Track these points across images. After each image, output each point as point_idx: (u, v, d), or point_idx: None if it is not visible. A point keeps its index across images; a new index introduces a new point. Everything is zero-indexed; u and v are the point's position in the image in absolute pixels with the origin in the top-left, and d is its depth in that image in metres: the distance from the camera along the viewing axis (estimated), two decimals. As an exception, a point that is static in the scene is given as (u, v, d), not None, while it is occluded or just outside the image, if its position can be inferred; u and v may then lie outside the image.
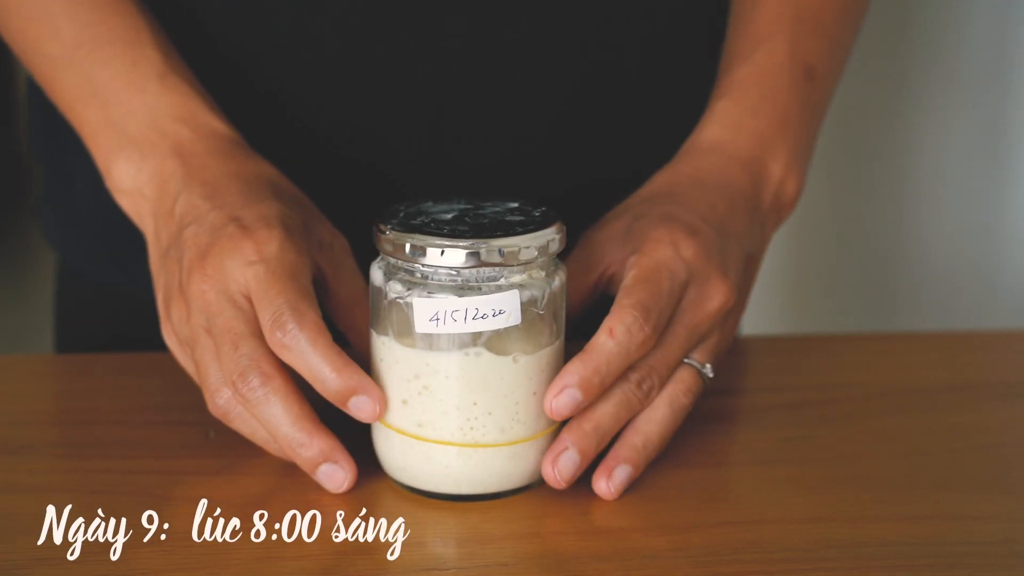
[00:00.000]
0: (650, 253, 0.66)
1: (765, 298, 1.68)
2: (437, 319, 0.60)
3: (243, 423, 0.65)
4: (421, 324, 0.61)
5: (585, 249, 0.71)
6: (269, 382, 0.62)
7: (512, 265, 0.60)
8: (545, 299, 0.62)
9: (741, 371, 0.81)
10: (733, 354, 0.80)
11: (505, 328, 0.61)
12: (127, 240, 0.86)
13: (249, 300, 0.64)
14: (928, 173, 1.62)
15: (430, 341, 0.61)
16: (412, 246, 0.60)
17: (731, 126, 0.76)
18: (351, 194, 0.79)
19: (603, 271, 0.70)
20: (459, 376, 0.61)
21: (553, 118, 0.83)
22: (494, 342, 0.61)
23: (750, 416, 0.75)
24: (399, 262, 0.61)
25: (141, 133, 0.73)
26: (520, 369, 0.62)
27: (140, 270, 0.88)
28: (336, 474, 0.63)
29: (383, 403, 0.62)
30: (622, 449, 0.64)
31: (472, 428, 0.62)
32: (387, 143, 0.82)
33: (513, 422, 0.62)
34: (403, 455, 0.63)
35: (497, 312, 0.61)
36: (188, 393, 0.71)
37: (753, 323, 1.64)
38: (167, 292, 0.68)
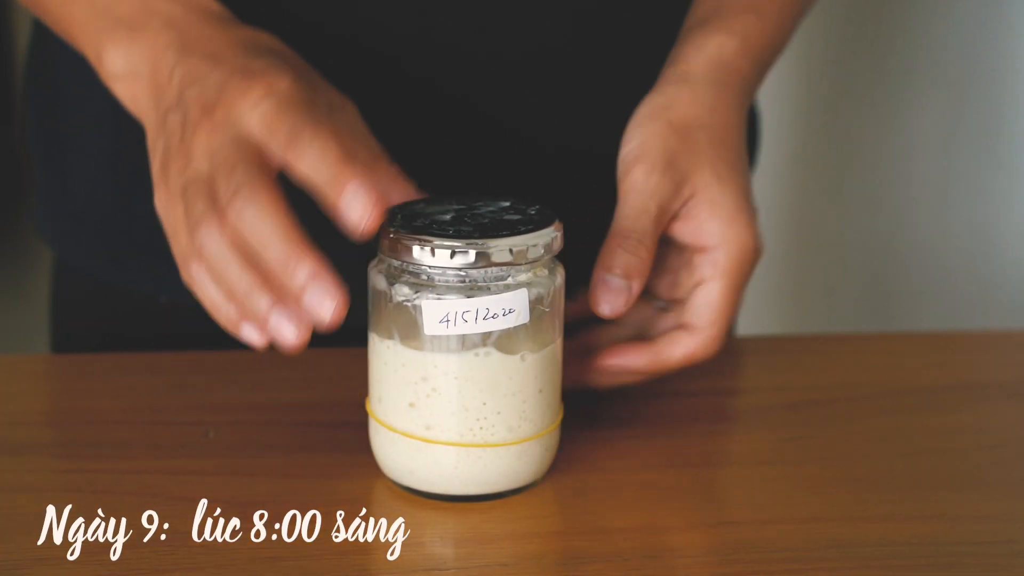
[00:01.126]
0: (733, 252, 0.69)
1: (765, 298, 1.68)
2: (447, 320, 0.60)
3: (213, 266, 0.61)
4: (431, 326, 0.60)
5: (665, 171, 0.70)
6: (261, 195, 0.59)
7: (520, 264, 0.60)
8: (550, 297, 0.62)
9: (741, 371, 0.81)
10: (733, 354, 0.80)
11: (514, 327, 0.61)
12: (123, 238, 0.86)
13: (254, 141, 0.62)
14: (927, 173, 1.62)
15: (438, 342, 0.61)
16: (421, 248, 0.60)
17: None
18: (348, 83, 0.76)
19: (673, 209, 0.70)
20: (469, 376, 0.61)
21: (569, 27, 0.81)
22: (503, 341, 0.61)
23: (750, 416, 0.75)
24: (404, 264, 0.61)
25: (130, 14, 0.70)
26: (528, 367, 0.62)
27: (137, 268, 0.88)
28: (325, 300, 0.59)
29: (369, 196, 0.59)
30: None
31: (481, 428, 0.62)
32: (383, 25, 0.79)
33: (521, 420, 0.62)
34: (410, 459, 0.63)
35: (507, 311, 0.60)
36: (188, 393, 0.71)
37: (753, 323, 1.64)
38: (165, 154, 0.66)
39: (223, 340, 0.87)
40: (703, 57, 0.72)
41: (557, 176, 0.83)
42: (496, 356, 0.61)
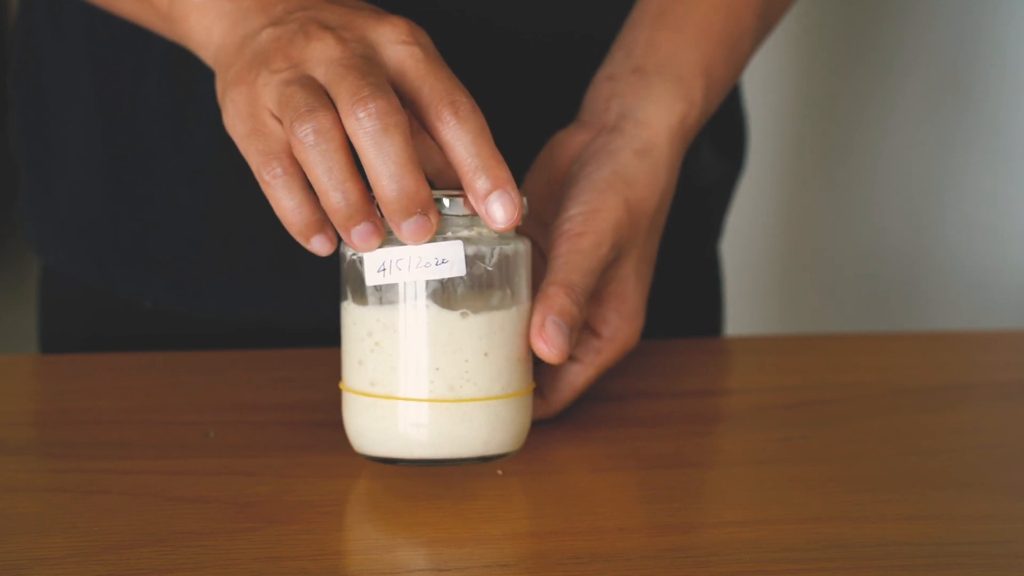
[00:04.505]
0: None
1: (765, 298, 1.68)
2: (384, 269, 0.61)
3: (313, 160, 0.61)
4: (371, 276, 0.62)
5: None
6: (397, 114, 0.60)
7: (457, 216, 0.62)
8: (495, 258, 0.63)
9: (740, 371, 0.82)
10: (732, 354, 0.80)
11: (451, 281, 0.62)
12: (108, 243, 0.86)
13: (392, 71, 0.62)
14: (925, 173, 1.62)
15: (381, 296, 0.62)
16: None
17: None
18: None
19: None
20: (407, 329, 0.62)
21: None
22: (441, 295, 0.62)
23: (750, 416, 0.75)
24: None
25: None
26: (469, 326, 0.62)
27: (121, 273, 0.88)
28: (424, 225, 0.61)
29: (516, 204, 0.61)
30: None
31: (420, 383, 0.62)
32: None
33: (463, 380, 0.63)
34: (357, 416, 0.64)
35: (440, 261, 0.61)
36: (187, 393, 0.71)
37: (752, 323, 1.64)
38: (256, 57, 0.64)
39: (212, 341, 0.87)
40: (666, 127, 0.72)
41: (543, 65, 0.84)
42: (434, 309, 0.62)
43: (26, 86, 0.90)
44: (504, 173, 0.61)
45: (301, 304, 0.87)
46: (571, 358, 0.70)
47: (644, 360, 0.78)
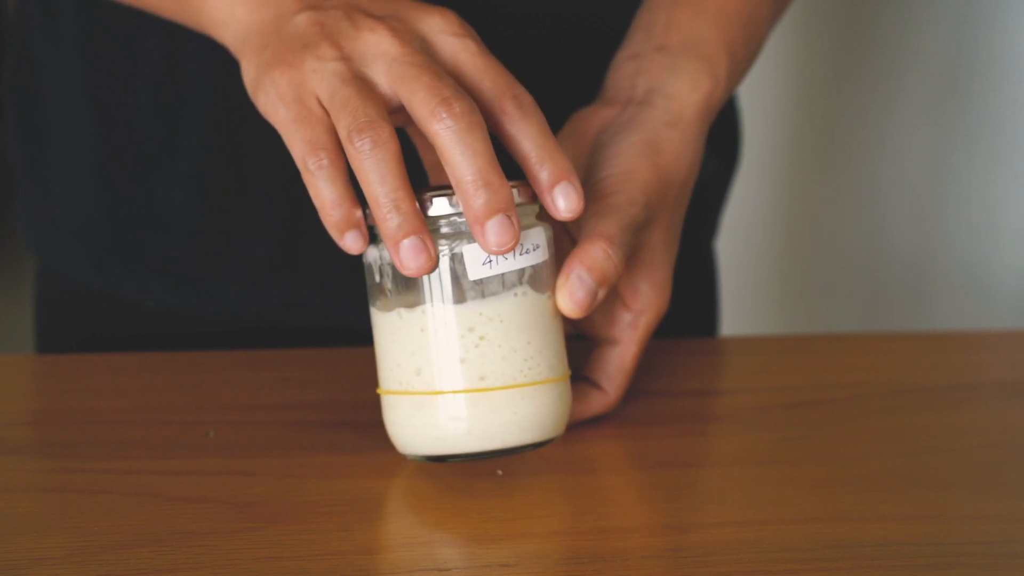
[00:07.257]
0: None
1: (765, 298, 1.68)
2: (490, 261, 0.62)
3: (369, 167, 0.60)
4: (474, 271, 0.62)
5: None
6: (477, 114, 0.60)
7: (531, 203, 0.63)
8: (552, 241, 0.65)
9: (740, 371, 0.81)
10: (732, 354, 0.80)
11: (539, 265, 0.63)
12: (107, 244, 0.86)
13: (448, 66, 0.63)
14: (925, 172, 1.62)
15: (479, 291, 0.62)
16: (450, 200, 0.61)
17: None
18: None
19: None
20: (512, 318, 0.63)
21: None
22: (534, 280, 0.63)
23: (750, 416, 0.75)
24: (430, 222, 0.62)
25: None
26: (553, 306, 0.64)
27: (122, 274, 0.88)
28: (507, 224, 0.61)
29: (580, 195, 0.62)
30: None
31: (530, 368, 0.63)
32: None
33: (555, 359, 0.64)
34: (467, 418, 0.63)
35: (535, 247, 0.63)
36: (188, 393, 0.71)
37: (752, 323, 1.64)
38: (296, 41, 0.64)
39: (213, 341, 0.87)
40: (693, 102, 0.73)
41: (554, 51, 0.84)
42: (531, 295, 0.63)
43: (21, 88, 0.90)
44: (567, 164, 0.63)
45: (303, 301, 0.87)
46: (609, 340, 0.71)
47: (642, 360, 0.78)
